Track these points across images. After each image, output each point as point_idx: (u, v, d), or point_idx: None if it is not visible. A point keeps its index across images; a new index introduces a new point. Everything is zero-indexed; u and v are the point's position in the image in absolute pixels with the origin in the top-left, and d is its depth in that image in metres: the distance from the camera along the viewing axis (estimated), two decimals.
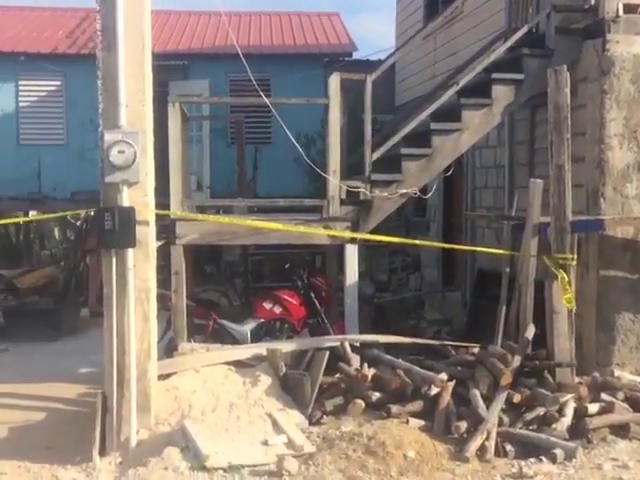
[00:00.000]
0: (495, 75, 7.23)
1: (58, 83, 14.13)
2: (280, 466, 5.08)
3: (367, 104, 7.07)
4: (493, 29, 9.03)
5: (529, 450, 5.40)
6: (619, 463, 5.29)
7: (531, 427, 5.68)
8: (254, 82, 7.06)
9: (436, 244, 9.28)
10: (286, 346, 6.62)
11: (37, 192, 13.90)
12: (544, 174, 6.71)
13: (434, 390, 5.89)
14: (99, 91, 5.48)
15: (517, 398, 5.77)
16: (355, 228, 7.03)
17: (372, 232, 7.12)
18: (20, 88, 14.09)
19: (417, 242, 8.02)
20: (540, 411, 5.71)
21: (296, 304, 7.82)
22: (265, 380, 6.15)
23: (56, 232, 17.12)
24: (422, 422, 5.72)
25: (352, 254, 7.00)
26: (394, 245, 10.78)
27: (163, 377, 6.08)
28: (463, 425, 5.55)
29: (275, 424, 5.60)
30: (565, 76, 6.23)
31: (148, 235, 5.59)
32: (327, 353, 6.26)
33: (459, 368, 6.28)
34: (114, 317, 5.44)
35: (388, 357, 6.52)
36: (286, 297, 7.82)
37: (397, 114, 12.58)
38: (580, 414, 5.70)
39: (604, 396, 5.92)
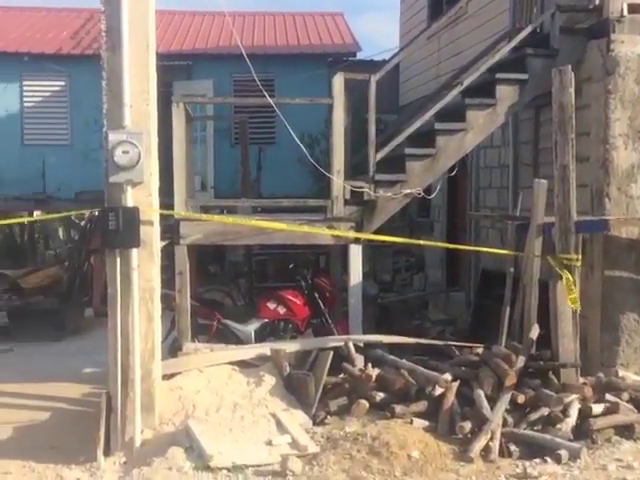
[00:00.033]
0: (499, 75, 7.22)
1: (62, 83, 14.15)
2: (284, 466, 5.08)
3: (371, 104, 7.07)
4: (497, 29, 9.01)
5: (533, 451, 5.39)
6: (624, 464, 5.28)
7: (535, 428, 5.67)
8: (258, 82, 7.06)
9: (440, 244, 9.27)
10: (290, 346, 6.62)
11: (41, 192, 13.94)
12: (548, 174, 6.70)
13: (438, 390, 5.89)
14: (103, 91, 5.49)
15: (521, 399, 5.76)
16: (359, 228, 7.03)
17: (376, 232, 7.12)
18: (24, 88, 14.12)
19: (421, 242, 8.01)
20: (544, 412, 5.70)
21: (300, 304, 7.82)
22: (269, 380, 6.15)
23: (60, 232, 17.16)
24: (426, 422, 5.72)
25: (356, 254, 6.99)
26: (398, 245, 10.78)
27: (167, 377, 6.08)
28: (467, 425, 5.55)
29: (279, 424, 5.61)
30: (569, 76, 6.22)
31: (152, 235, 5.59)
32: (331, 353, 6.26)
33: (463, 368, 6.27)
34: (118, 317, 5.45)
35: (392, 357, 6.51)
36: (290, 297, 7.82)
37: (401, 114, 12.58)
38: (584, 415, 5.69)
39: (609, 397, 5.92)
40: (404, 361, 6.38)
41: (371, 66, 10.57)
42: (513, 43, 7.39)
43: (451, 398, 5.82)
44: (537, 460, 5.28)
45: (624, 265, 6.65)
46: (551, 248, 6.34)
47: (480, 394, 5.78)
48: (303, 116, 9.98)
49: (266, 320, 7.73)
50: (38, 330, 9.35)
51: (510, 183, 8.90)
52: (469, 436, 5.51)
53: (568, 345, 6.13)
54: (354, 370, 6.24)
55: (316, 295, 7.87)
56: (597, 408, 5.75)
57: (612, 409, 5.78)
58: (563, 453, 5.25)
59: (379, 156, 7.10)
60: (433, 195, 8.03)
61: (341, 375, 6.26)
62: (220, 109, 13.71)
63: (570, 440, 5.45)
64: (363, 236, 7.00)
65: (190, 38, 15.47)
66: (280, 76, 13.45)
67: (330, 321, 7.73)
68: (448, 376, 5.98)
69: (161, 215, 5.87)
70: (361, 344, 6.64)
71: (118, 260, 5.44)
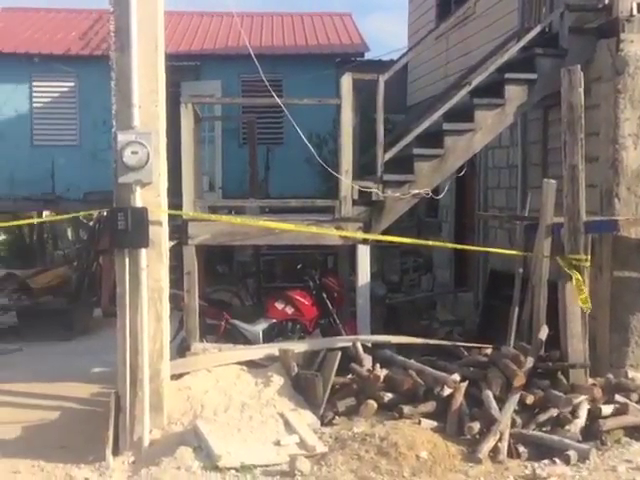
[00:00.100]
0: (508, 75, 7.20)
1: (71, 84, 14.20)
2: (292, 466, 5.08)
3: (379, 104, 7.06)
4: (506, 29, 8.99)
5: (542, 452, 5.37)
6: (633, 465, 5.26)
7: (544, 428, 5.65)
8: (266, 83, 7.06)
9: (448, 245, 9.25)
10: (298, 346, 6.62)
11: (51, 192, 14.00)
12: (557, 174, 6.68)
13: (447, 391, 5.88)
14: (112, 92, 5.50)
15: (530, 399, 5.74)
16: (367, 229, 7.02)
17: (384, 232, 7.11)
18: (34, 89, 14.18)
19: (429, 243, 7.98)
20: (553, 412, 5.68)
21: (308, 304, 7.82)
22: (277, 380, 6.15)
23: (69, 232, 17.25)
24: (434, 423, 5.71)
25: (364, 255, 6.99)
26: (406, 246, 10.76)
27: (176, 377, 6.09)
28: (476, 426, 5.54)
29: (287, 424, 5.61)
30: (579, 76, 6.20)
31: (161, 235, 5.60)
32: (339, 354, 6.25)
33: (472, 369, 6.26)
34: (127, 317, 5.46)
35: (400, 358, 6.50)
36: (298, 297, 7.82)
37: (409, 114, 12.57)
38: (594, 416, 5.67)
39: (618, 398, 5.89)
40: (412, 361, 6.37)
41: (379, 66, 10.57)
42: (522, 43, 7.37)
43: (459, 399, 5.81)
44: (546, 461, 5.26)
45: (633, 266, 6.62)
46: (560, 248, 6.32)
47: (489, 395, 5.76)
48: (311, 116, 9.99)
49: (274, 320, 7.74)
50: (47, 330, 9.38)
51: (519, 183, 8.87)
52: (478, 437, 5.49)
53: (577, 346, 6.11)
54: (362, 370, 6.24)
55: (324, 295, 7.87)
56: (606, 409, 5.73)
57: (621, 410, 5.75)
58: (572, 454, 5.23)
59: (387, 156, 7.09)
60: (441, 195, 8.03)
61: (349, 375, 6.26)
62: (228, 109, 13.73)
63: (579, 441, 5.43)
64: (371, 237, 7.00)
65: (198, 39, 15.51)
66: (288, 76, 13.46)
67: (338, 321, 7.72)
68: (456, 377, 5.97)
69: (169, 215, 5.88)
70: (369, 344, 6.63)
71: (127, 260, 5.46)
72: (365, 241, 6.98)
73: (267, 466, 5.16)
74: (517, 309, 6.81)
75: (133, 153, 5.36)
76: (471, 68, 8.61)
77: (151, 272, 5.50)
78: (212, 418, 5.72)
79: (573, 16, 7.20)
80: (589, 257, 6.22)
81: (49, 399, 6.76)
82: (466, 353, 6.63)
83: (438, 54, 11.70)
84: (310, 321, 7.82)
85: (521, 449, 5.37)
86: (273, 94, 7.09)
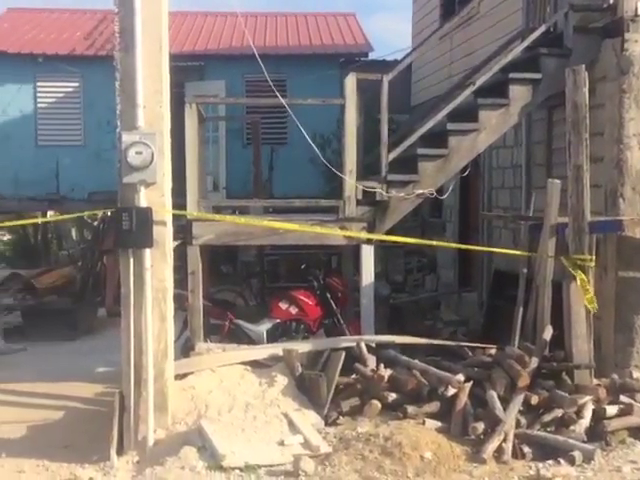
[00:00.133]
0: (512, 75, 7.19)
1: (76, 84, 14.23)
2: (296, 466, 5.08)
3: (383, 104, 7.06)
4: (510, 29, 8.99)
5: (547, 452, 5.36)
6: (638, 466, 5.24)
7: (549, 429, 5.64)
8: (270, 83, 7.07)
9: (452, 245, 9.25)
10: (302, 346, 6.62)
11: (55, 193, 14.03)
12: (562, 174, 6.66)
13: (451, 391, 5.87)
14: (117, 92, 5.51)
15: (535, 400, 5.73)
16: (371, 229, 7.02)
17: (388, 232, 7.11)
18: (38, 89, 14.20)
19: (433, 243, 7.98)
20: (558, 413, 5.67)
21: (312, 304, 7.81)
22: (281, 380, 6.16)
23: (74, 232, 17.28)
24: (439, 423, 5.70)
25: (368, 255, 6.99)
26: (410, 246, 10.76)
27: (180, 377, 6.10)
28: (480, 426, 5.53)
29: (291, 424, 5.61)
30: (583, 76, 6.19)
31: (165, 235, 5.61)
32: (343, 354, 6.25)
33: (476, 369, 6.25)
34: (131, 317, 5.47)
35: (404, 358, 6.49)
36: (302, 297, 7.82)
37: (413, 114, 12.55)
38: (598, 416, 5.66)
39: (623, 398, 5.88)
40: (416, 362, 6.36)
41: (383, 66, 10.57)
42: (526, 43, 7.37)
43: (464, 399, 5.80)
44: (550, 462, 5.24)
45: (638, 266, 6.60)
46: (564, 249, 6.31)
47: (493, 395, 5.75)
48: (315, 116, 9.99)
49: (278, 320, 7.74)
50: (51, 330, 9.40)
51: (523, 183, 8.86)
52: (482, 437, 5.49)
53: (582, 346, 6.10)
54: (366, 370, 6.23)
55: (328, 295, 7.86)
56: (611, 409, 5.72)
57: (626, 411, 5.74)
58: (577, 455, 5.22)
59: (391, 156, 7.09)
60: (445, 195, 8.02)
61: (353, 375, 6.26)
62: (232, 110, 13.74)
63: (584, 442, 5.42)
64: (375, 237, 7.00)
65: (202, 39, 15.52)
66: (292, 76, 13.47)
67: (342, 321, 7.72)
68: (461, 377, 5.96)
69: (174, 215, 5.89)
70: (373, 344, 6.63)
71: (131, 260, 5.46)
72: (369, 241, 6.98)
73: (271, 466, 5.15)
74: (521, 309, 6.80)
75: (137, 153, 5.37)
76: (475, 68, 8.60)
77: (155, 272, 5.51)
78: (216, 418, 5.72)
79: (578, 16, 7.18)
80: (594, 257, 6.21)
81: (53, 399, 6.77)
82: (470, 353, 6.62)
83: (442, 54, 11.70)
84: (314, 321, 7.81)
85: (525, 449, 5.36)
86: (277, 94, 7.09)
